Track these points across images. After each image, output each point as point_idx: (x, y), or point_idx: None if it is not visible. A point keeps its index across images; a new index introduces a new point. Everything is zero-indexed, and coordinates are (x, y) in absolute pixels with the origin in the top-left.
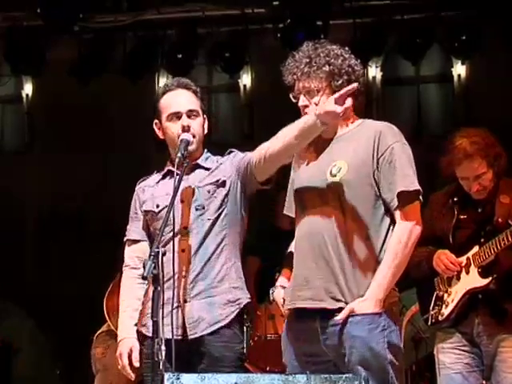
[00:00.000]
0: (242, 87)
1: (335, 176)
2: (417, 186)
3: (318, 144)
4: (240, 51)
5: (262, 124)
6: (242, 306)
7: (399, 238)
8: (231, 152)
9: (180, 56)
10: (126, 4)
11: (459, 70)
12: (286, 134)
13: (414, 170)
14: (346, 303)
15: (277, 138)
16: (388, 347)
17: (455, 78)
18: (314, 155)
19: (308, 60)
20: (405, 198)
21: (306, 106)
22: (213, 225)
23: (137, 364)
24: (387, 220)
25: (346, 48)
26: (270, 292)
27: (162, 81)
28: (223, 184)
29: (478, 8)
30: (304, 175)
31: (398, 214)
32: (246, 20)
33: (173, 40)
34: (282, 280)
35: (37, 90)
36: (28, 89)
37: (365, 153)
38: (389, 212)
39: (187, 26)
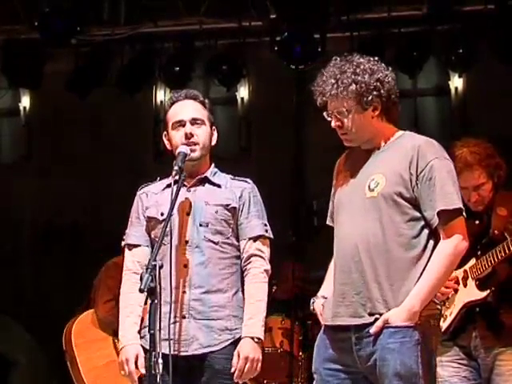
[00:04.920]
0: (239, 100)
1: (373, 191)
2: (457, 205)
3: (359, 156)
4: (237, 64)
5: (259, 137)
6: (236, 337)
7: (442, 253)
8: (250, 197)
9: (177, 69)
10: (124, 17)
11: (456, 82)
12: (256, 293)
13: (456, 186)
14: (381, 315)
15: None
16: (421, 362)
17: (452, 90)
18: (354, 168)
19: (334, 81)
20: (446, 216)
21: (340, 127)
22: (216, 246)
23: (143, 370)
24: (426, 232)
25: (376, 58)
26: (311, 302)
27: (160, 93)
28: (232, 210)
29: (473, 21)
30: (344, 189)
31: (441, 232)
32: (244, 33)
33: (170, 53)
34: (323, 289)
35: (34, 103)
36: (25, 101)
37: (403, 168)
38: (429, 225)
39: (184, 39)
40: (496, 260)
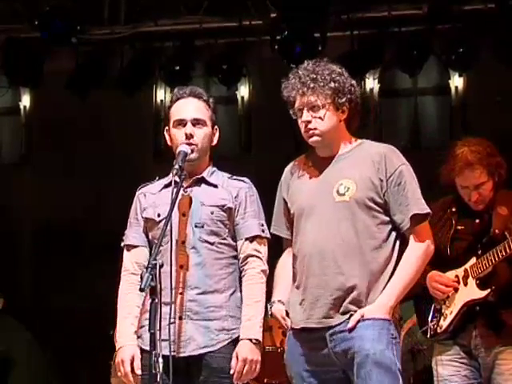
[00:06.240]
0: (239, 99)
1: (343, 195)
2: (428, 209)
3: (316, 163)
4: (237, 63)
5: (260, 136)
6: (234, 337)
7: (414, 253)
8: (247, 197)
9: (177, 68)
10: (124, 16)
11: (456, 82)
12: (254, 294)
13: (419, 192)
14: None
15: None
16: (396, 355)
17: (452, 90)
18: (314, 174)
19: (314, 76)
20: (417, 219)
21: (309, 122)
22: (212, 246)
23: (139, 372)
24: (393, 235)
25: (343, 68)
26: (268, 307)
27: (160, 93)
28: (228, 210)
29: (474, 21)
30: (306, 195)
31: (411, 235)
32: (244, 32)
33: (170, 52)
34: (278, 293)
35: (34, 102)
36: (26, 101)
37: (372, 173)
38: (396, 229)
39: (185, 38)
40: (497, 259)
